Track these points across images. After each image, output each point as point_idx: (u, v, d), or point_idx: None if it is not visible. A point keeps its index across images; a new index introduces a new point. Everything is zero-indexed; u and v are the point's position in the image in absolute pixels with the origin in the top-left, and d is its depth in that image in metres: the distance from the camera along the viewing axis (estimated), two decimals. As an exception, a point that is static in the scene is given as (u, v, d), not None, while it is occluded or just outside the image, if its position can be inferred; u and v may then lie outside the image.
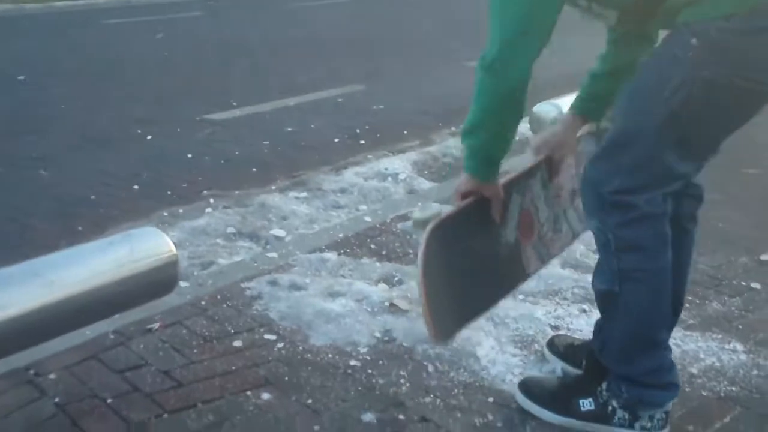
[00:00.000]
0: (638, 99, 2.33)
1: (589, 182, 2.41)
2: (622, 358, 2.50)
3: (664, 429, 2.52)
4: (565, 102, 4.45)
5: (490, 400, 2.72)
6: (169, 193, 5.07)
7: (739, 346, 3.08)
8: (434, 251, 2.36)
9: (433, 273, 2.36)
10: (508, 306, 3.30)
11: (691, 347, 3.04)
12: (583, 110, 2.73)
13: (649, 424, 2.50)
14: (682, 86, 2.20)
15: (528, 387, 2.69)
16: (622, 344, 2.48)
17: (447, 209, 2.51)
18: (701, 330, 3.17)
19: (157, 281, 2.58)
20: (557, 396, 2.62)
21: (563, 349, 2.92)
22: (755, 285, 3.59)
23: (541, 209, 2.77)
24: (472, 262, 2.52)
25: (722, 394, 2.79)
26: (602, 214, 2.39)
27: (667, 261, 2.42)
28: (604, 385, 2.53)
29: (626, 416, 2.50)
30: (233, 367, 2.89)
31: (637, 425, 2.50)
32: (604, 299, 2.49)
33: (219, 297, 3.40)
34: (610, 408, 2.51)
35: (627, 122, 2.36)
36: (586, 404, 2.55)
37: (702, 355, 3.01)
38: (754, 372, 2.93)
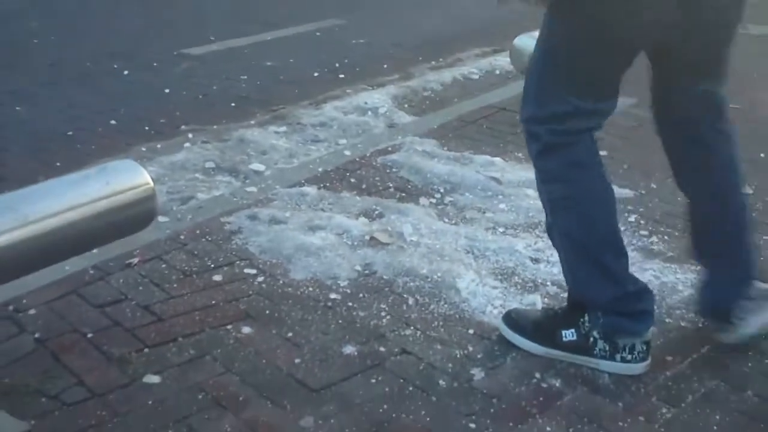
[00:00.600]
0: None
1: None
2: (583, 287, 2.56)
3: (645, 361, 2.54)
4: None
5: (471, 331, 2.73)
6: (146, 128, 5.02)
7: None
8: None
9: None
10: (488, 239, 3.31)
11: (669, 279, 3.05)
12: None
13: (629, 356, 2.52)
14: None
15: (511, 318, 2.70)
16: (576, 273, 2.56)
17: None
18: (680, 262, 3.18)
19: (135, 215, 2.55)
20: (540, 327, 2.64)
21: None
22: (735, 217, 3.59)
23: None
24: None
25: (700, 325, 2.80)
26: (527, 145, 2.53)
27: (592, 187, 2.48)
28: (585, 317, 2.55)
29: (606, 347, 2.52)
30: (213, 302, 2.89)
31: (617, 357, 2.52)
32: (548, 232, 2.62)
33: (198, 232, 3.38)
34: (591, 339, 2.53)
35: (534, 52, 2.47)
36: (568, 335, 2.57)
37: (680, 287, 3.02)
38: (733, 302, 2.94)
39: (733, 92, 2.70)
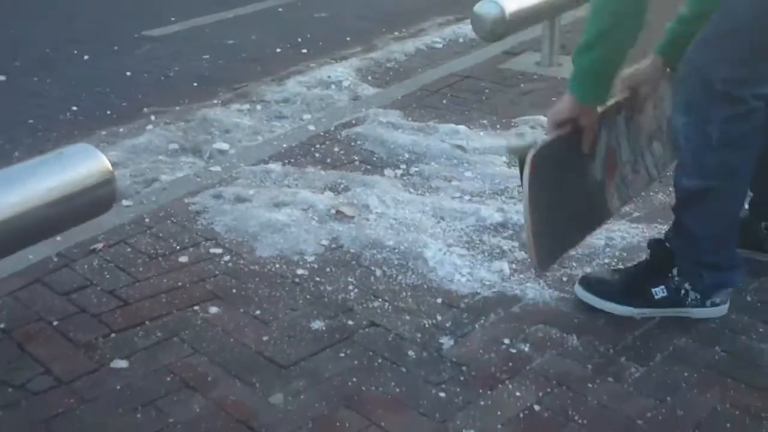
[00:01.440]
0: None
1: (694, 66, 2.37)
2: (712, 249, 2.55)
3: (728, 302, 2.62)
4: (506, 1, 4.41)
5: (439, 301, 2.72)
6: (108, 112, 4.97)
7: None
8: (540, 177, 2.34)
9: (540, 200, 2.35)
10: (454, 207, 3.30)
11: (636, 239, 3.05)
12: (668, 55, 2.67)
13: (718, 300, 2.59)
14: None
15: (593, 286, 2.69)
16: (716, 235, 2.54)
17: (541, 137, 2.48)
18: (647, 222, 3.18)
19: (94, 199, 2.53)
20: (628, 288, 2.65)
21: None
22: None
23: (623, 148, 2.74)
24: (566, 193, 2.51)
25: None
26: (706, 107, 2.36)
27: (754, 155, 2.46)
28: (675, 271, 2.59)
29: (698, 296, 2.58)
30: (179, 283, 2.86)
31: (708, 302, 2.59)
32: (695, 195, 2.49)
33: (163, 214, 3.35)
34: (683, 291, 2.58)
35: (738, 8, 2.31)
36: (660, 292, 2.60)
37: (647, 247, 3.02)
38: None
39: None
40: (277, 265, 2.95)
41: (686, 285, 2.57)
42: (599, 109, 2.52)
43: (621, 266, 2.86)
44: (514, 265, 2.91)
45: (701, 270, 2.55)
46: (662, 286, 2.59)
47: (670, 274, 2.59)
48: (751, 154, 2.43)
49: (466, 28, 6.01)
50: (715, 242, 2.54)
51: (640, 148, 2.82)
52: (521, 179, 2.34)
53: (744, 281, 2.75)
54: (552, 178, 2.42)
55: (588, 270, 2.85)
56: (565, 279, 2.82)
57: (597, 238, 3.05)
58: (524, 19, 4.67)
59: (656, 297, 2.59)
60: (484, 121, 4.21)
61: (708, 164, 2.42)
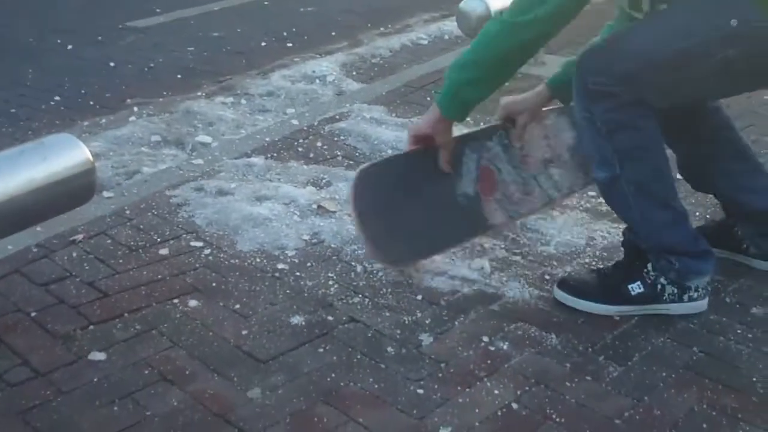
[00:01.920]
0: (655, 29, 2.43)
1: (579, 68, 2.46)
2: (655, 235, 2.57)
3: (707, 297, 2.64)
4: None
5: (419, 297, 2.72)
6: (91, 103, 4.94)
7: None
8: (365, 191, 2.58)
9: (367, 212, 2.62)
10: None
11: (617, 239, 3.04)
12: (557, 91, 2.79)
13: (695, 294, 2.60)
14: (704, 45, 2.34)
15: (570, 286, 2.70)
16: (652, 220, 2.55)
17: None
18: (628, 221, 3.19)
19: (74, 190, 2.51)
20: (604, 287, 2.66)
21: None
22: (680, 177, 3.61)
23: (505, 170, 2.89)
24: (414, 203, 2.70)
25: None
26: (587, 102, 2.45)
27: (658, 133, 2.49)
28: (649, 266, 2.60)
29: (675, 291, 2.59)
30: (159, 276, 2.85)
31: (685, 297, 2.60)
32: (610, 187, 2.54)
33: (144, 206, 3.34)
34: (659, 286, 2.59)
35: (632, 43, 2.43)
36: (636, 288, 2.61)
37: (628, 246, 3.03)
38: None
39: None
40: (258, 260, 2.94)
41: (662, 279, 2.58)
42: (457, 135, 2.72)
43: (601, 266, 2.87)
44: (494, 263, 2.91)
45: (667, 256, 2.56)
46: (638, 282, 2.60)
47: (645, 270, 2.61)
48: (645, 134, 2.47)
49: (451, 25, 6.02)
50: (655, 230, 2.56)
51: (531, 173, 2.97)
52: None
53: (722, 282, 2.76)
54: (385, 190, 2.67)
55: (568, 269, 2.86)
56: (546, 278, 2.82)
57: (578, 238, 3.06)
58: (510, 17, 4.67)
59: (633, 293, 2.60)
60: (468, 119, 4.19)
61: (606, 153, 2.48)
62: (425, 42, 6.19)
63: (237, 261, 2.94)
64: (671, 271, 2.57)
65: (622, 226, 3.06)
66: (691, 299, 2.60)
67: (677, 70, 2.37)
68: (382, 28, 6.54)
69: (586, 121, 2.48)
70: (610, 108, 2.41)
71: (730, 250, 2.89)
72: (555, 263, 2.91)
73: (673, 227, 2.57)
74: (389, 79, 5.02)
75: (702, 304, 2.62)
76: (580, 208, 3.29)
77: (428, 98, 4.54)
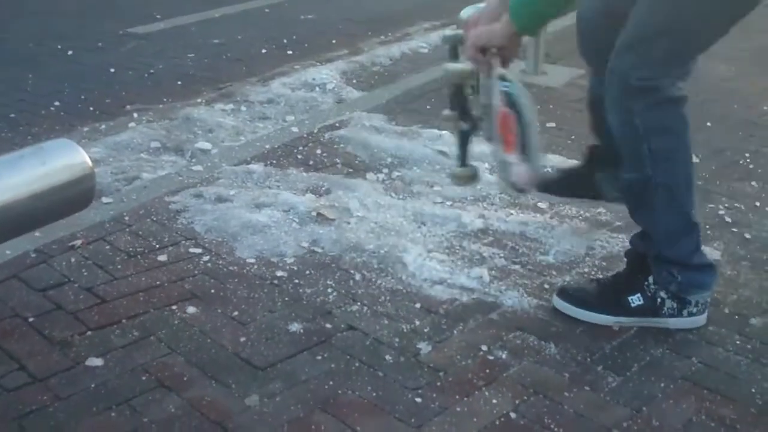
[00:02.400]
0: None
1: (616, 74, 2.43)
2: (671, 242, 2.55)
3: (706, 312, 2.63)
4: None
5: (417, 306, 2.72)
6: (91, 108, 4.94)
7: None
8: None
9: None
10: (435, 212, 3.30)
11: (616, 248, 3.06)
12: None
13: (695, 309, 2.59)
14: None
15: (568, 295, 2.70)
16: (668, 227, 2.54)
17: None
18: (627, 231, 3.18)
19: (73, 195, 2.51)
20: (604, 297, 2.65)
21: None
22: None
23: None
24: None
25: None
26: (627, 101, 2.43)
27: (688, 141, 2.50)
28: (650, 279, 2.59)
29: (675, 305, 2.58)
30: (158, 282, 2.85)
31: (684, 312, 2.59)
32: (639, 188, 2.53)
33: (143, 212, 3.33)
34: (659, 300, 2.58)
35: (657, 17, 2.39)
36: (636, 300, 2.60)
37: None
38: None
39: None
40: (256, 267, 2.94)
41: (662, 293, 2.58)
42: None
43: (600, 275, 2.87)
44: (493, 272, 2.91)
45: (670, 268, 2.55)
46: (638, 294, 2.60)
47: (646, 283, 2.60)
48: (681, 140, 2.48)
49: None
50: (671, 237, 2.55)
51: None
52: (455, 104, 2.49)
53: (722, 293, 2.76)
54: None
55: (567, 278, 2.86)
56: (545, 287, 2.82)
57: (577, 247, 3.06)
58: (510, 26, 4.67)
59: (632, 305, 2.60)
60: (468, 127, 4.20)
61: (641, 153, 2.46)
62: (425, 50, 6.19)
63: (236, 268, 2.93)
64: (673, 283, 2.56)
65: (621, 235, 3.08)
66: (690, 314, 2.59)
67: (704, 17, 2.37)
68: (382, 36, 6.54)
69: (624, 123, 2.46)
70: (651, 105, 2.40)
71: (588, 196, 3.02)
72: (554, 272, 2.91)
73: (688, 237, 2.56)
74: (389, 88, 5.02)
75: (701, 320, 2.62)
76: (580, 217, 3.29)
77: (428, 107, 4.54)
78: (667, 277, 2.56)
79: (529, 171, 2.30)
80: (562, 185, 3.06)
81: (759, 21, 6.22)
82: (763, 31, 5.97)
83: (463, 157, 2.63)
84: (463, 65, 2.48)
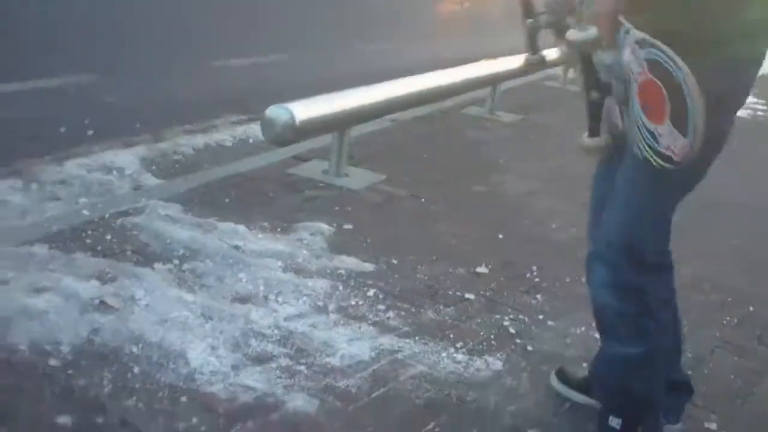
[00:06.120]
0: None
1: (622, 248, 2.49)
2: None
3: None
4: (297, 106, 4.47)
5: (197, 403, 2.63)
6: None
7: (449, 354, 3.15)
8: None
9: None
10: (223, 308, 3.23)
11: (401, 355, 3.07)
12: None
13: None
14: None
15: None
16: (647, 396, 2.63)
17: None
18: (414, 337, 3.21)
19: None
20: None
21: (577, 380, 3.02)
22: (469, 296, 3.69)
23: None
24: None
25: (429, 401, 2.83)
26: (637, 278, 2.49)
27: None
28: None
29: None
30: None
31: None
32: (635, 360, 2.57)
33: None
34: None
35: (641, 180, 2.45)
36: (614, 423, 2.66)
37: (412, 362, 3.04)
38: (461, 379, 2.99)
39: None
40: (28, 354, 2.77)
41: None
42: None
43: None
44: (278, 372, 2.85)
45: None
46: (619, 420, 2.64)
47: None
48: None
49: (257, 129, 5.98)
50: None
51: None
52: (584, 74, 2.42)
53: (501, 403, 2.80)
54: None
55: (352, 381, 2.83)
56: (330, 389, 2.78)
57: (364, 351, 3.05)
58: (314, 127, 4.73)
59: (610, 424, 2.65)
60: (265, 224, 4.18)
61: (643, 331, 2.54)
62: (229, 144, 6.18)
63: (5, 354, 2.75)
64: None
65: (408, 340, 3.10)
66: None
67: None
68: (187, 125, 6.47)
69: (635, 302, 2.52)
70: (660, 280, 2.55)
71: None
72: (338, 375, 2.88)
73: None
74: (189, 178, 4.93)
75: None
76: (369, 321, 3.30)
77: (227, 200, 4.49)
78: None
79: (686, 144, 2.24)
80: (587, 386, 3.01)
81: (552, 147, 6.54)
82: (557, 151, 6.28)
83: (594, 129, 2.57)
84: (587, 32, 2.36)
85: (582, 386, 2.94)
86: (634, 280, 2.49)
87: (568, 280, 4.04)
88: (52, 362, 2.74)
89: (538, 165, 6.04)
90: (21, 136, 5.69)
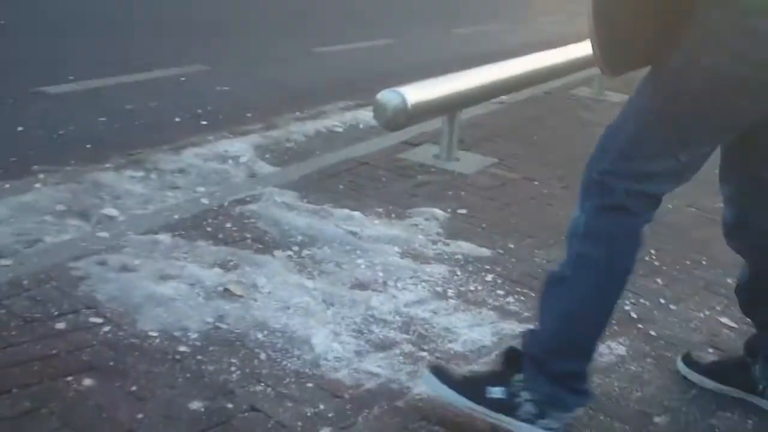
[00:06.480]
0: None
1: (586, 168, 2.41)
2: (550, 351, 2.44)
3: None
4: (408, 90, 4.48)
5: (323, 389, 2.66)
6: (-5, 166, 4.81)
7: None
8: None
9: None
10: (344, 294, 3.26)
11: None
12: None
13: (554, 424, 2.46)
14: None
15: (439, 369, 2.62)
16: (555, 337, 2.43)
17: None
18: (535, 322, 3.19)
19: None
20: (468, 380, 2.57)
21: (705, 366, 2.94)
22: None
23: None
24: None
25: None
26: (583, 197, 2.38)
27: (628, 268, 2.41)
28: (519, 377, 2.47)
29: (533, 411, 2.45)
30: (54, 351, 2.73)
31: (539, 423, 2.45)
32: (552, 282, 2.46)
33: (43, 276, 3.22)
34: (518, 399, 2.45)
35: (626, 106, 2.38)
36: (495, 392, 2.47)
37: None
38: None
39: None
40: (158, 340, 2.85)
41: (524, 394, 2.45)
42: None
43: None
44: (401, 358, 2.87)
45: (540, 375, 2.44)
46: (501, 388, 2.48)
47: (512, 379, 2.48)
48: (618, 260, 2.39)
49: (367, 115, 6.04)
50: (553, 348, 2.44)
51: None
52: None
53: (626, 389, 2.76)
54: None
55: (476, 367, 2.84)
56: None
57: (485, 336, 3.05)
58: (425, 111, 4.73)
59: (488, 396, 2.48)
60: (379, 209, 4.20)
61: (571, 252, 2.41)
62: (340, 130, 6.22)
63: (137, 340, 2.84)
64: (537, 392, 2.45)
65: (530, 325, 3.08)
66: (545, 427, 2.46)
67: (652, 126, 2.33)
68: (297, 113, 6.55)
69: (574, 217, 2.42)
70: (600, 208, 2.35)
71: (743, 390, 2.83)
72: (461, 361, 2.88)
73: (573, 360, 2.45)
74: (302, 165, 5.00)
75: None
76: (489, 306, 3.29)
77: (341, 186, 4.53)
78: (533, 383, 2.45)
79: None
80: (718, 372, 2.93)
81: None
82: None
83: None
84: None
85: (711, 372, 2.88)
86: None
87: (688, 263, 3.97)
88: (182, 348, 2.81)
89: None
90: (139, 125, 5.86)
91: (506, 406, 2.47)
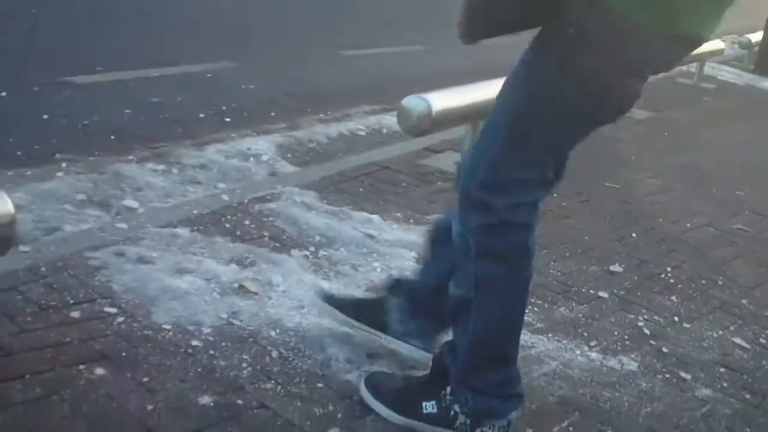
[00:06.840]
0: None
1: (462, 174, 2.40)
2: (470, 369, 2.45)
3: None
4: (434, 97, 4.48)
5: (333, 389, 2.67)
6: (19, 153, 4.83)
7: (583, 352, 3.12)
8: None
9: None
10: (358, 296, 3.26)
11: (534, 351, 3.06)
12: None
13: (490, 431, 2.47)
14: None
15: (374, 384, 2.63)
16: (472, 355, 2.43)
17: None
18: (547, 333, 3.20)
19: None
20: (401, 396, 2.58)
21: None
22: (603, 294, 3.65)
23: None
24: None
25: (562, 399, 2.81)
26: (465, 215, 2.36)
27: (527, 275, 2.41)
28: (448, 389, 2.49)
29: (468, 422, 2.46)
30: (68, 339, 2.75)
31: (478, 431, 2.47)
32: (458, 306, 2.44)
33: (60, 264, 3.24)
34: (452, 412, 2.48)
35: (492, 117, 2.37)
36: (429, 407, 2.51)
37: (545, 359, 3.03)
38: (595, 378, 2.97)
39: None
40: (172, 333, 2.87)
41: (456, 407, 2.48)
42: None
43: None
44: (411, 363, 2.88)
45: (466, 391, 2.46)
46: (433, 402, 2.51)
47: (443, 392, 2.50)
48: (516, 272, 2.39)
49: (390, 120, 6.06)
50: (473, 365, 2.44)
51: None
52: None
53: (636, 405, 2.76)
54: None
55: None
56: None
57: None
58: (449, 118, 4.72)
59: (424, 411, 2.51)
60: (398, 214, 4.21)
61: (469, 275, 2.39)
62: (363, 133, 6.23)
63: (150, 332, 2.85)
64: (465, 406, 2.47)
65: (541, 337, 3.08)
66: None
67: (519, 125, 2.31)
68: (321, 114, 6.56)
69: (461, 235, 2.39)
70: (485, 226, 2.33)
71: (373, 327, 2.83)
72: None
73: (495, 371, 2.45)
74: (324, 166, 5.02)
75: None
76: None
77: (361, 189, 4.54)
78: (460, 398, 2.47)
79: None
80: (350, 307, 2.93)
81: (686, 144, 6.40)
82: (690, 148, 6.14)
83: None
84: None
85: (342, 306, 2.88)
86: None
87: (703, 282, 3.96)
88: (195, 342, 2.83)
89: (671, 162, 5.92)
90: (163, 120, 5.88)
91: (442, 419, 2.50)
